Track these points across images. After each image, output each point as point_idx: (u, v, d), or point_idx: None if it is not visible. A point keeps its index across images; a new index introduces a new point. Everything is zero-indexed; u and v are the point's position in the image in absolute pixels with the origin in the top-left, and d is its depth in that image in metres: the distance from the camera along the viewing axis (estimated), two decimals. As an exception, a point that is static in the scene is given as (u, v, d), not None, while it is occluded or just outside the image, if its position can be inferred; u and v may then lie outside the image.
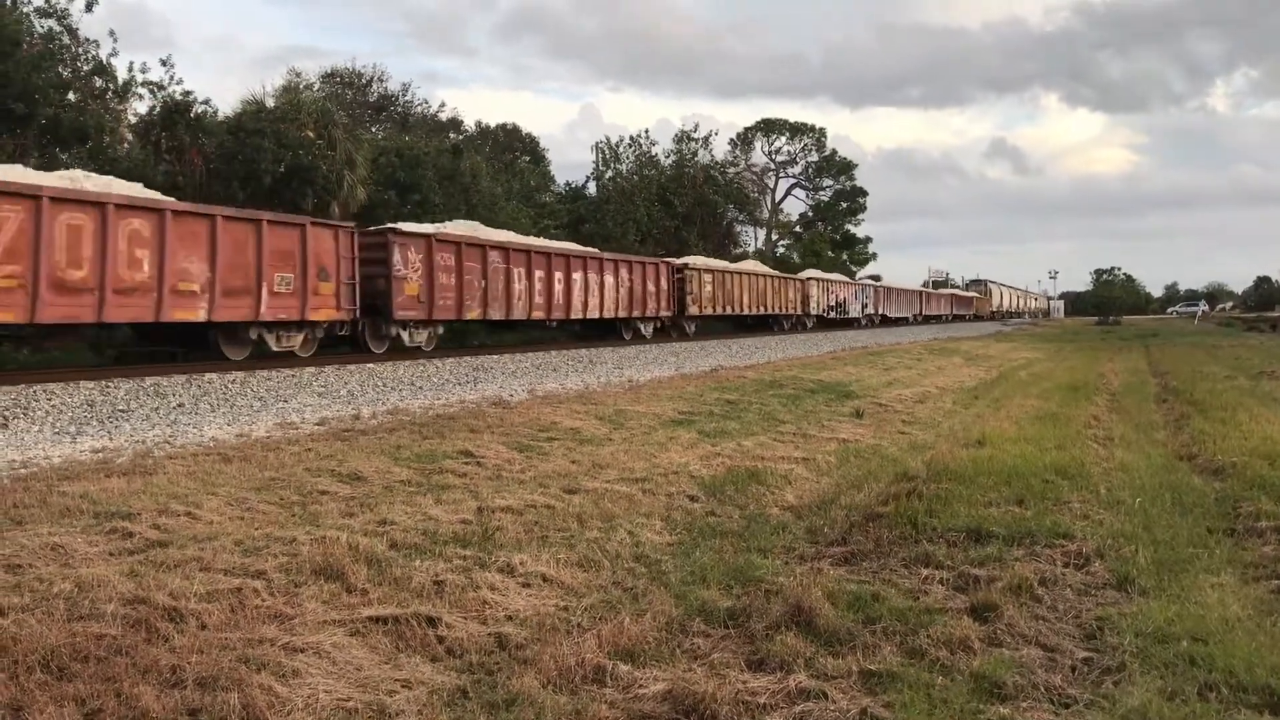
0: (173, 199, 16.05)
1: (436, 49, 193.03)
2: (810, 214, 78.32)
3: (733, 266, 37.06)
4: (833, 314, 45.58)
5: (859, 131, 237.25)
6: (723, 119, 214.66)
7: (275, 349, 16.51)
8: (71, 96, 24.59)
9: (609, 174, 53.72)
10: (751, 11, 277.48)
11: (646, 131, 73.56)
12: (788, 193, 77.97)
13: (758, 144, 75.91)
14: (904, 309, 59.82)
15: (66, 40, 24.84)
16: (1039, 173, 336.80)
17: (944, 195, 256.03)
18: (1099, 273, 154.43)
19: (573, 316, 24.75)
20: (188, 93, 27.47)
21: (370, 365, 16.44)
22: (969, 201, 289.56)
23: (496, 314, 21.61)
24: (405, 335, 19.35)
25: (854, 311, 49.50)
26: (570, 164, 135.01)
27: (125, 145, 26.72)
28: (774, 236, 73.60)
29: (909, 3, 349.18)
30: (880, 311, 54.57)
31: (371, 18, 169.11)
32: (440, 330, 20.57)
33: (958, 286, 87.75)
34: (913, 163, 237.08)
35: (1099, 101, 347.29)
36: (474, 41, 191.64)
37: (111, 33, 26.57)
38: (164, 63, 31.28)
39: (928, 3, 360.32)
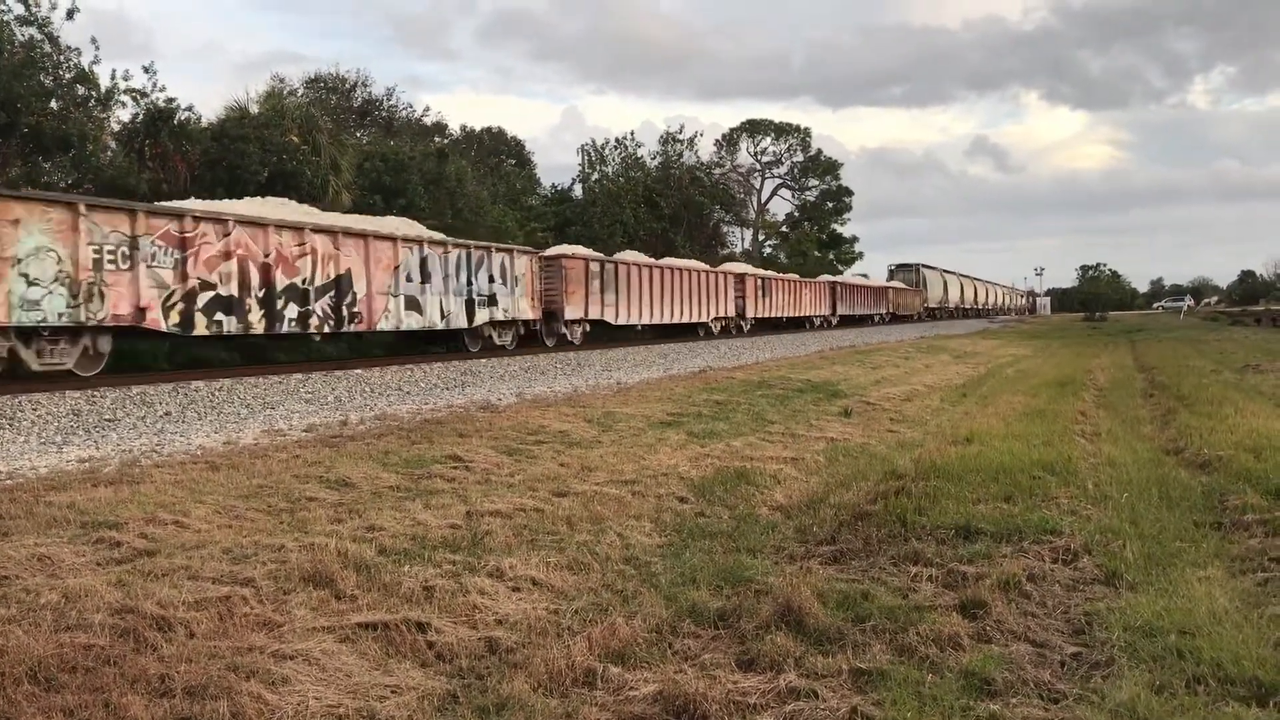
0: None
1: (420, 53, 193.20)
2: (796, 214, 78.42)
3: None
4: (332, 321, 16.97)
5: (842, 131, 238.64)
6: (706, 120, 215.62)
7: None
8: (54, 105, 24.41)
9: (595, 176, 53.74)
10: (733, 13, 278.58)
11: (632, 134, 73.62)
12: (773, 193, 78.08)
13: (743, 145, 75.96)
14: (698, 308, 31.95)
15: (48, 48, 24.65)
16: (1022, 170, 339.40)
17: (929, 194, 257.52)
18: (1085, 269, 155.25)
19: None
20: (171, 99, 27.30)
21: (358, 371, 16.47)
22: (954, 200, 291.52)
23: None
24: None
25: (457, 315, 20.08)
26: (555, 166, 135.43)
27: (109, 153, 26.54)
28: (760, 237, 73.70)
29: (889, 2, 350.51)
30: (627, 314, 27.48)
31: (354, 22, 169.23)
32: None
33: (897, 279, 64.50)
34: (896, 162, 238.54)
35: (1079, 99, 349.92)
36: (457, 45, 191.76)
37: (93, 40, 26.47)
38: (146, 70, 31.05)
39: (908, 2, 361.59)
